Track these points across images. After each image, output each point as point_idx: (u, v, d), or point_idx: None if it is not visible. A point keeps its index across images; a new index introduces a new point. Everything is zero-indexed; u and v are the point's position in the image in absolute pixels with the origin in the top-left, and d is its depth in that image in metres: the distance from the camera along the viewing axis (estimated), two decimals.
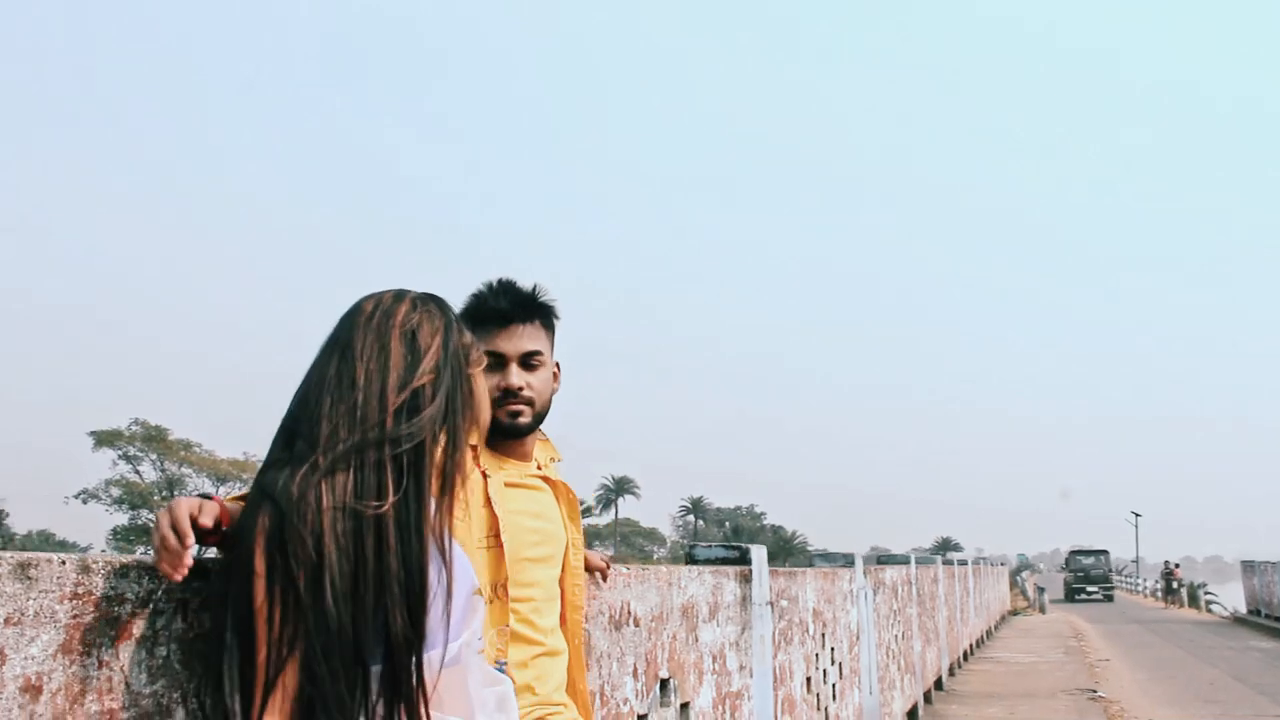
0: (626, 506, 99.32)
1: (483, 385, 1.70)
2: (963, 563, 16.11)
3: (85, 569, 1.41)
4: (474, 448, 2.04)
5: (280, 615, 1.36)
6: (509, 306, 2.05)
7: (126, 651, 1.46)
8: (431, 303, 1.65)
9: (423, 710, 1.42)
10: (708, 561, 4.66)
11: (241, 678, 1.43)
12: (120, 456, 55.80)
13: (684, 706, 3.78)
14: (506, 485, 2.08)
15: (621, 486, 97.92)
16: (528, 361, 2.07)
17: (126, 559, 1.49)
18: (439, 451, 1.57)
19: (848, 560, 7.16)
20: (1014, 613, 28.01)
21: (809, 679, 5.68)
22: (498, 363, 2.04)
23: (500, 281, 2.11)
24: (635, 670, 3.33)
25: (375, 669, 1.41)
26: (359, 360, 1.50)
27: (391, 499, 1.44)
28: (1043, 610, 29.13)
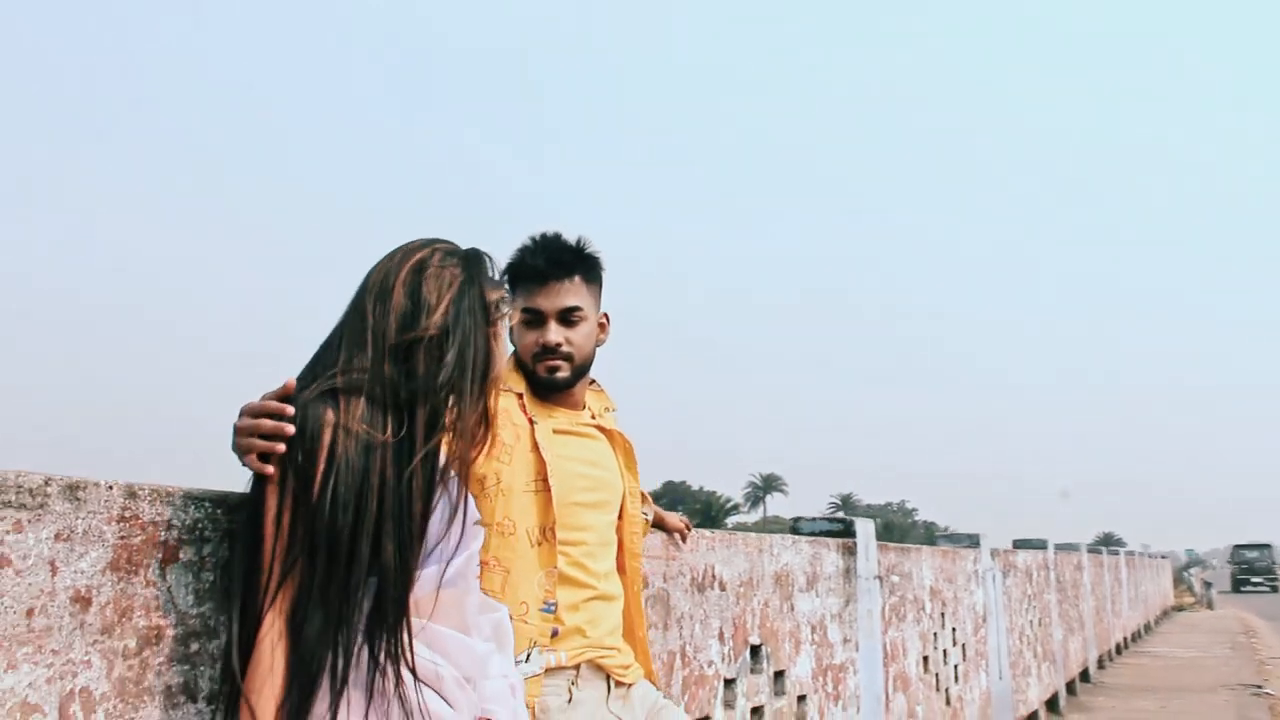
0: (774, 504, 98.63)
1: (503, 346, 1.75)
2: (1113, 553, 15.28)
3: (132, 494, 1.52)
4: (520, 395, 2.09)
5: (290, 519, 1.45)
6: (544, 264, 2.08)
7: (173, 574, 1.56)
8: (455, 258, 1.71)
9: (405, 623, 1.50)
10: (811, 534, 4.60)
11: (249, 580, 1.50)
12: None
13: (779, 674, 3.75)
14: (556, 432, 2.11)
15: (769, 484, 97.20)
16: (566, 317, 2.09)
17: (172, 487, 1.59)
18: (447, 404, 1.64)
19: (972, 541, 6.92)
20: (1179, 608, 26.39)
21: (925, 658, 5.52)
22: (537, 319, 2.08)
23: (541, 238, 2.15)
24: (721, 634, 3.32)
25: (372, 581, 1.48)
26: (369, 301, 1.59)
27: (388, 434, 1.52)
28: (1210, 606, 27.34)
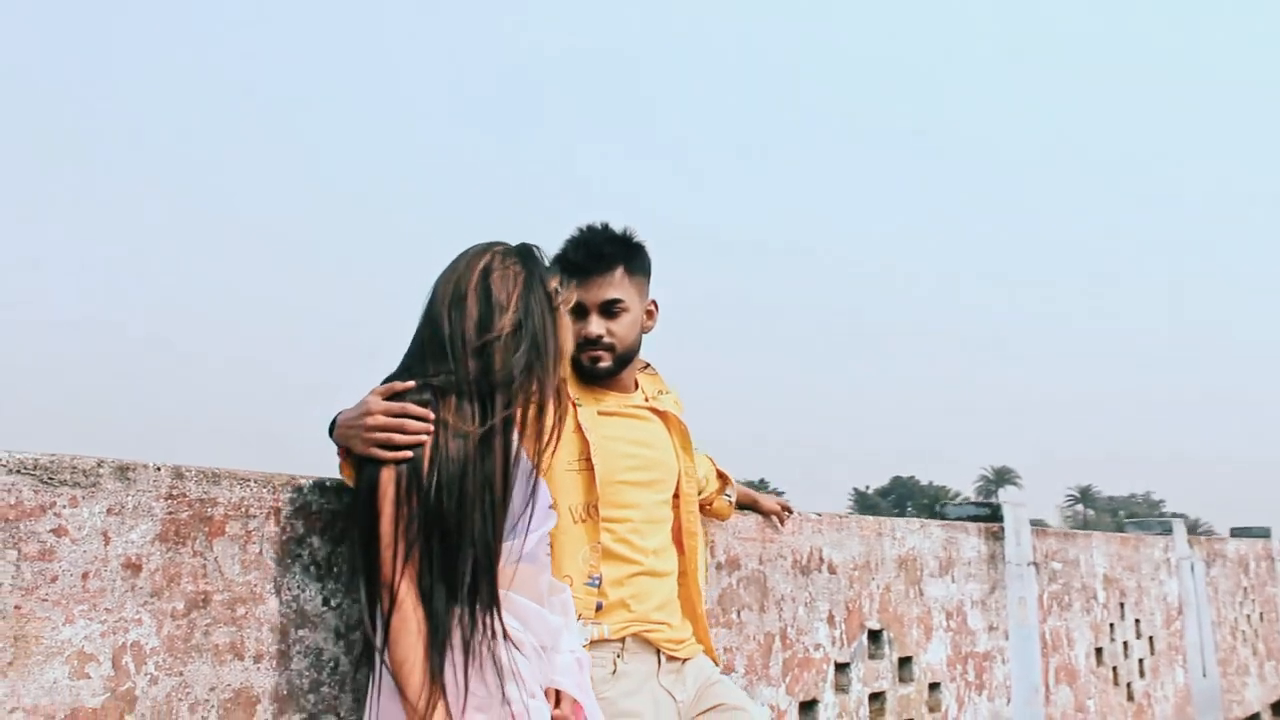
0: (1008, 498, 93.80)
1: (566, 325, 1.90)
2: None
3: (179, 475, 1.72)
4: (562, 380, 2.18)
5: (408, 502, 1.66)
6: (584, 259, 2.15)
7: (220, 545, 1.75)
8: (513, 256, 1.86)
9: (494, 592, 1.72)
10: (957, 519, 4.43)
11: (370, 555, 1.69)
12: None
13: (904, 660, 3.65)
14: (602, 414, 2.18)
15: (1001, 477, 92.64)
16: (608, 310, 2.16)
17: (219, 469, 1.79)
18: (528, 394, 1.80)
19: (1164, 527, 6.40)
20: None
21: (1099, 650, 5.17)
22: (580, 311, 2.16)
23: (584, 231, 2.22)
24: (831, 617, 3.28)
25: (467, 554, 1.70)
26: (444, 311, 1.79)
27: (476, 426, 1.72)
28: None
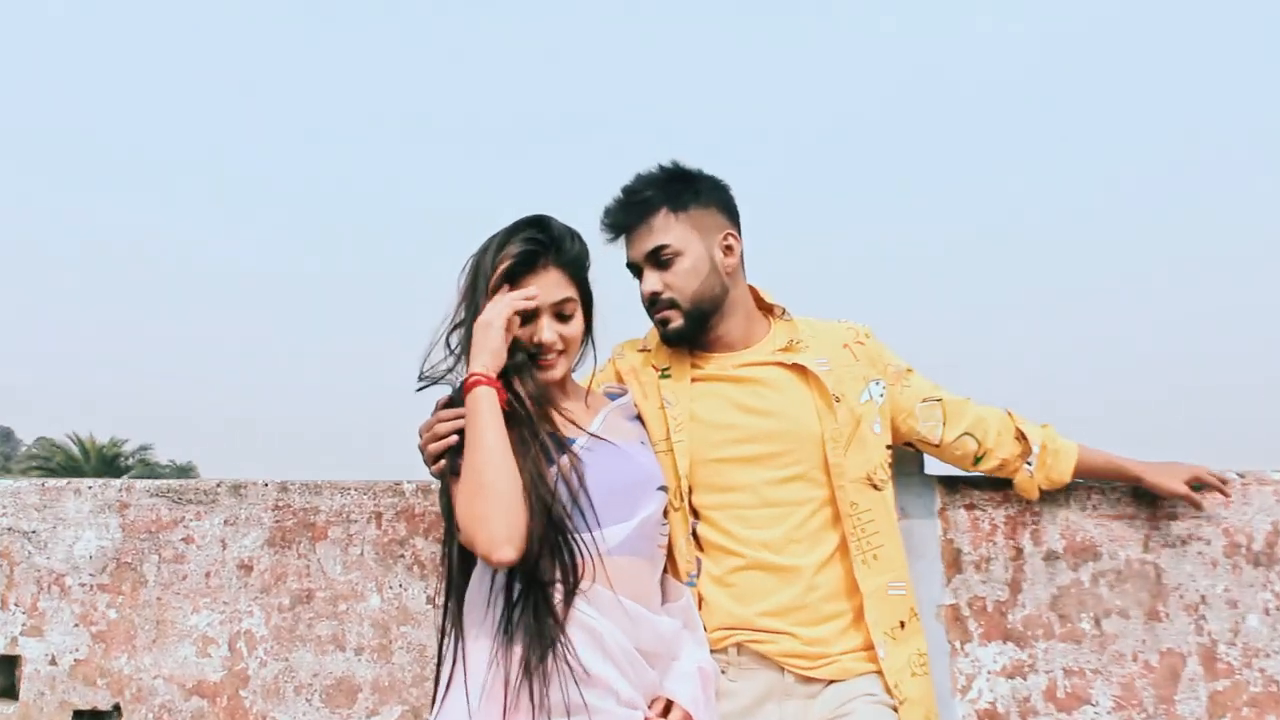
0: None
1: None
2: None
3: (284, 489, 2.02)
4: (645, 350, 1.93)
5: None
6: (613, 219, 1.87)
7: (322, 548, 2.00)
8: (494, 238, 1.75)
9: (548, 581, 1.52)
10: None
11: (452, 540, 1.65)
12: None
13: None
14: (697, 380, 1.86)
15: None
16: (657, 260, 1.84)
17: (320, 482, 2.04)
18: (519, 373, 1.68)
19: None
20: None
21: None
22: (637, 272, 1.89)
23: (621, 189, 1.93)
24: None
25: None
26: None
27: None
28: None
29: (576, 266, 1.69)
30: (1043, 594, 2.08)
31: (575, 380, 1.79)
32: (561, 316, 1.67)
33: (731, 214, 1.89)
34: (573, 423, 1.68)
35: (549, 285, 1.65)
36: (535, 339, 1.66)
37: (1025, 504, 2.10)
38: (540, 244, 1.65)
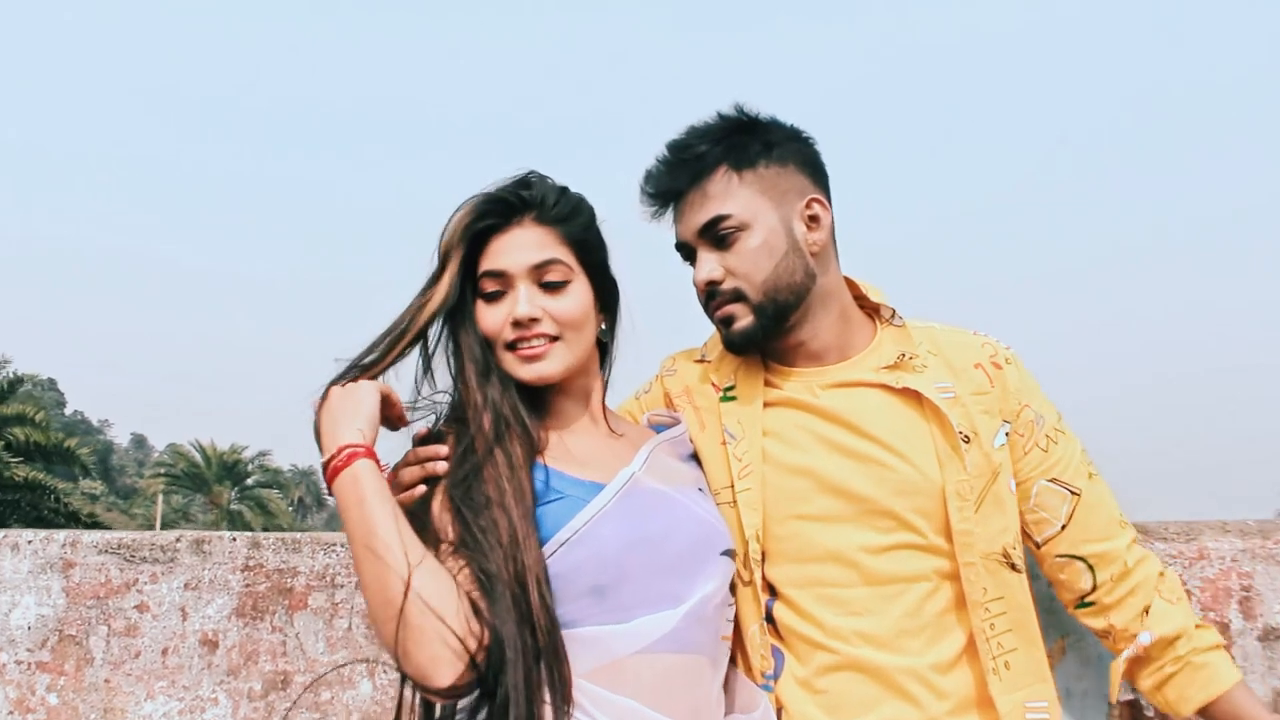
0: None
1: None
2: None
3: (256, 544, 1.63)
4: (703, 361, 1.46)
5: None
6: (657, 185, 1.38)
7: (301, 620, 1.59)
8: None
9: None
10: None
11: None
12: None
13: None
14: (770, 405, 1.38)
15: None
16: (713, 236, 1.34)
17: (299, 535, 1.63)
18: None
19: None
20: None
21: None
22: (688, 254, 1.41)
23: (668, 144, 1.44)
24: None
25: None
26: None
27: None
28: None
29: (568, 225, 1.22)
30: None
31: (602, 403, 1.34)
32: (548, 286, 1.19)
33: (817, 174, 1.38)
34: (590, 460, 1.22)
35: (523, 246, 1.18)
36: (511, 319, 1.18)
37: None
38: (511, 198, 1.19)
